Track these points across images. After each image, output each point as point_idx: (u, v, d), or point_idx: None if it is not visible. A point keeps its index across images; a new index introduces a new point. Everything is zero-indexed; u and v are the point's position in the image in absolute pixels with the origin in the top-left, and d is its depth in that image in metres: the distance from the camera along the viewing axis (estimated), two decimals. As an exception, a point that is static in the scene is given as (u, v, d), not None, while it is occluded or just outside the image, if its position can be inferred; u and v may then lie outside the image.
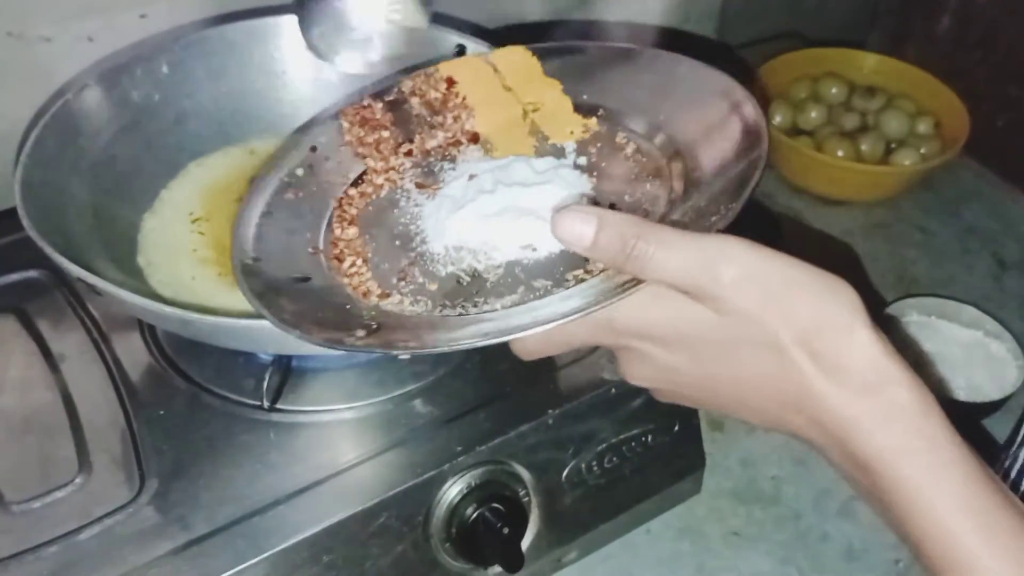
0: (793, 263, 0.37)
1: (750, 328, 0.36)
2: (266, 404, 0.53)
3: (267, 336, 0.49)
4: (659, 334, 0.39)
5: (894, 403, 0.36)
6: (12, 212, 0.51)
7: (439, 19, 0.67)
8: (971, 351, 0.72)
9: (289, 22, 0.67)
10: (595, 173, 0.49)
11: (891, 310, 0.74)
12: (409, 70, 0.56)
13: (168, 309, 0.46)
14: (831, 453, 0.38)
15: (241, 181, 0.64)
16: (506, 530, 0.52)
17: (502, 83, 0.53)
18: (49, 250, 0.47)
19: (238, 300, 0.55)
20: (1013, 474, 0.52)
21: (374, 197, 0.51)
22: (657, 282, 0.37)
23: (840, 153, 0.87)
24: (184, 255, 0.59)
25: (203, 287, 0.57)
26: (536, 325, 0.38)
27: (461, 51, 0.63)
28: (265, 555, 0.47)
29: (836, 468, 0.39)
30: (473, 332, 0.40)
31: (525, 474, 0.54)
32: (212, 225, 0.61)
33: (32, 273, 0.63)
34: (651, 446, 0.59)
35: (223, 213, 0.62)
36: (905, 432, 0.36)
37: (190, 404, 0.55)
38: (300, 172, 0.52)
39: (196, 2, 0.73)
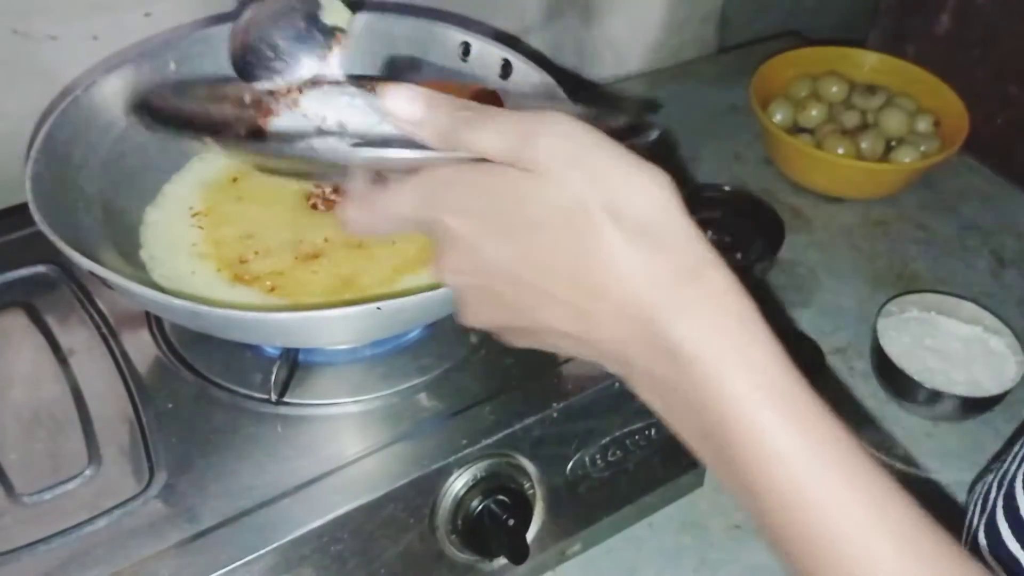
0: (613, 142, 0.37)
1: (560, 190, 0.36)
2: (274, 397, 0.53)
3: (276, 329, 0.50)
4: (476, 208, 0.38)
5: (711, 284, 0.35)
6: (18, 208, 0.51)
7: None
8: (970, 346, 0.72)
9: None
10: None
11: (891, 306, 0.74)
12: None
13: (178, 302, 0.46)
14: (633, 348, 0.37)
15: (241, 176, 0.65)
16: (511, 522, 0.52)
17: None
18: (61, 244, 0.48)
19: (237, 296, 0.56)
20: (1019, 473, 0.52)
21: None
22: (481, 154, 0.37)
23: (840, 151, 0.88)
24: (183, 250, 0.59)
25: (202, 282, 0.57)
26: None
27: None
28: (273, 546, 0.47)
29: (634, 367, 0.38)
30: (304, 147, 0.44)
31: (530, 466, 0.55)
32: (210, 220, 0.62)
33: (40, 268, 0.63)
34: (654, 440, 0.59)
35: (222, 209, 0.62)
36: (719, 311, 0.35)
37: (198, 397, 0.55)
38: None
39: (200, 1, 0.73)
